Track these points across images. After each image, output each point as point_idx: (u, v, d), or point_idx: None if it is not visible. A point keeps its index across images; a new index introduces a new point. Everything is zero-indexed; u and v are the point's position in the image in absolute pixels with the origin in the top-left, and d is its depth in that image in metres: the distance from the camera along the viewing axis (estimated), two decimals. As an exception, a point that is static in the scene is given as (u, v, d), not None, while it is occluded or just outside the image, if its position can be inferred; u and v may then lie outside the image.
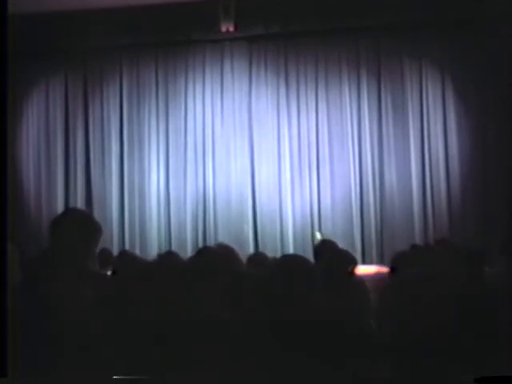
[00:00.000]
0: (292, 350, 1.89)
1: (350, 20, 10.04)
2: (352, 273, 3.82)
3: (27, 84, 10.75)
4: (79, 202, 10.74)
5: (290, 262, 2.48)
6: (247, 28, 10.32)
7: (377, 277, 6.16)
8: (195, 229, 10.59)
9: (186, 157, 10.77)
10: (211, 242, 9.34)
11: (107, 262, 5.26)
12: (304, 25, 10.20)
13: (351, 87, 10.48)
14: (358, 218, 10.27)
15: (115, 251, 7.42)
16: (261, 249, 9.59)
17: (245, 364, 1.64)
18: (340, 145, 10.46)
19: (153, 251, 9.71)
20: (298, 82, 10.62)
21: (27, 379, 2.03)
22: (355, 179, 10.33)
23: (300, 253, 6.31)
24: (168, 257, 3.09)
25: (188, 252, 8.78)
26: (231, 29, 10.27)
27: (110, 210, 10.72)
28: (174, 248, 9.68)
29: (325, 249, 4.43)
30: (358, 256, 9.50)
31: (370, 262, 9.74)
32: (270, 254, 5.95)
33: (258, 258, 4.69)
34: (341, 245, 5.06)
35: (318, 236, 9.48)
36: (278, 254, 7.09)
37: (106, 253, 5.97)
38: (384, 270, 6.42)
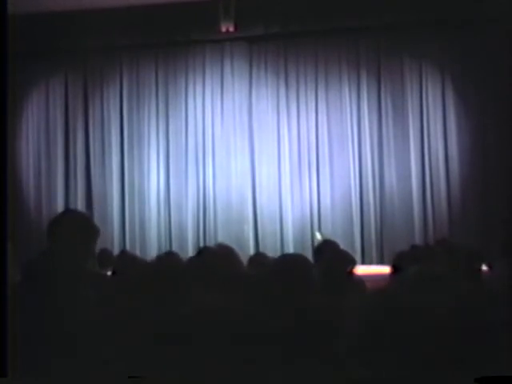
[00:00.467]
0: (292, 349, 1.89)
1: (350, 20, 10.03)
2: (351, 273, 3.82)
3: (27, 84, 10.75)
4: (79, 202, 10.74)
5: (289, 262, 2.49)
6: (247, 28, 10.32)
7: (377, 277, 6.17)
8: (195, 229, 10.59)
9: (187, 157, 10.77)
10: (211, 243, 9.32)
11: (107, 262, 5.25)
12: (304, 25, 10.20)
13: (351, 87, 10.48)
14: (358, 218, 10.27)
15: (115, 251, 7.42)
16: (261, 249, 9.58)
17: (244, 364, 1.64)
18: (340, 145, 10.46)
19: (153, 251, 9.71)
20: (297, 83, 10.62)
21: (27, 379, 2.04)
22: (355, 179, 10.33)
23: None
24: (168, 257, 3.09)
25: (188, 252, 8.78)
26: (231, 29, 10.27)
27: (110, 210, 10.72)
28: (174, 248, 9.67)
29: (324, 249, 4.44)
30: (358, 256, 9.51)
31: (370, 262, 9.75)
32: (270, 254, 5.95)
33: (258, 258, 4.70)
34: (341, 245, 5.07)
35: (318, 236, 9.48)
36: (278, 255, 7.09)
37: (106, 253, 5.96)
38: (384, 269, 6.42)
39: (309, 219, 10.37)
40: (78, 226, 2.65)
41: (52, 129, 11.02)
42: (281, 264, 2.56)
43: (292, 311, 2.14)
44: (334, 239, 5.55)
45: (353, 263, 3.95)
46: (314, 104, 10.57)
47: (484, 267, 4.40)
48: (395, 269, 4.31)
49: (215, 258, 3.07)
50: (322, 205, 10.40)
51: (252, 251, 9.37)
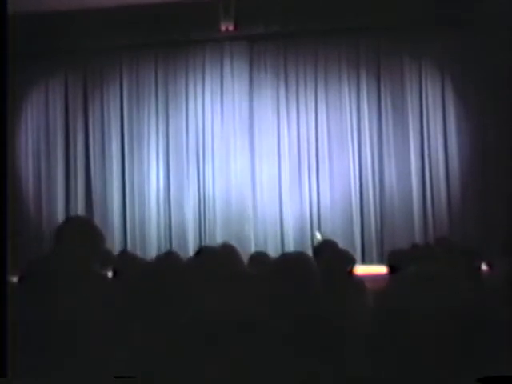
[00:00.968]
0: (292, 350, 1.89)
1: (350, 20, 10.04)
2: (351, 272, 3.83)
3: (27, 84, 10.75)
4: (79, 203, 10.75)
5: (290, 260, 2.48)
6: (247, 28, 10.33)
7: (377, 276, 6.16)
8: (196, 229, 10.60)
9: (187, 157, 10.77)
10: (211, 242, 9.33)
11: (108, 262, 5.25)
12: (304, 25, 10.20)
13: (351, 87, 10.48)
14: (358, 218, 10.28)
15: (116, 251, 7.41)
16: (261, 248, 9.58)
17: (244, 364, 1.64)
18: (340, 145, 10.47)
19: (153, 251, 9.72)
20: (297, 82, 10.63)
21: (27, 379, 2.04)
22: (355, 179, 10.34)
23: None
24: (168, 257, 3.09)
25: (188, 252, 8.78)
26: (231, 28, 10.28)
27: (110, 210, 10.72)
28: (174, 248, 9.67)
29: (324, 248, 4.43)
30: (358, 256, 9.51)
31: (370, 262, 9.75)
32: (270, 253, 5.95)
33: (259, 257, 4.69)
34: (341, 244, 5.06)
35: (318, 236, 9.48)
36: (279, 254, 7.09)
37: (106, 253, 5.96)
38: (384, 269, 6.42)
39: (309, 218, 10.38)
40: (84, 229, 2.71)
41: (52, 129, 11.02)
42: (282, 263, 2.56)
43: (293, 311, 2.14)
44: (333, 238, 5.55)
45: (352, 263, 3.96)
46: (313, 104, 10.58)
47: (484, 266, 4.40)
48: (392, 268, 4.32)
49: (215, 258, 3.06)
50: (321, 204, 10.41)
51: (252, 250, 9.37)
